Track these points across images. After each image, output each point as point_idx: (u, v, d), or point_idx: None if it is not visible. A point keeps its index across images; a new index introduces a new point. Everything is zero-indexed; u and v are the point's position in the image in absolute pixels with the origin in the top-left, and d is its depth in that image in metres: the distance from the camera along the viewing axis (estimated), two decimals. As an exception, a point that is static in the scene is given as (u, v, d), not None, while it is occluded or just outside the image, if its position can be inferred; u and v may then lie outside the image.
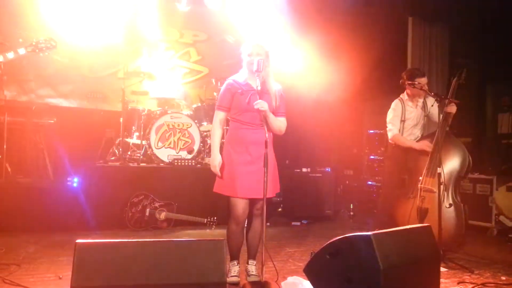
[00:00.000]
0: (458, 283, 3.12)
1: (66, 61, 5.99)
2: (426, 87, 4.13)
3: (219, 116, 3.08)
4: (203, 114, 5.82)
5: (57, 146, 5.19)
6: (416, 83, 4.07)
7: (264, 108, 2.88)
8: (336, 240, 2.50)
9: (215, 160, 3.01)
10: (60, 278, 3.00)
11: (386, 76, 6.40)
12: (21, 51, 3.00)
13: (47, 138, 5.16)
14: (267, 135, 2.87)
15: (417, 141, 4.14)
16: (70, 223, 4.43)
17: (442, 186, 3.74)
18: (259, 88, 2.93)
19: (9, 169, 4.73)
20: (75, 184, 4.67)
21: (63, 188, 4.68)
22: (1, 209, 4.23)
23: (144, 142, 5.29)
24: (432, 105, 4.23)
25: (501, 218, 4.89)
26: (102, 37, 6.19)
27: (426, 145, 3.98)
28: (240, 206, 2.97)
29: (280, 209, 5.84)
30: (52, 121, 5.14)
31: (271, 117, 2.98)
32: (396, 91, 4.52)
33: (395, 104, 4.30)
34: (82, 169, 4.77)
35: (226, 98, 3.07)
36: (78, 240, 1.96)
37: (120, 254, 1.96)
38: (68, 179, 4.80)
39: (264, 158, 2.82)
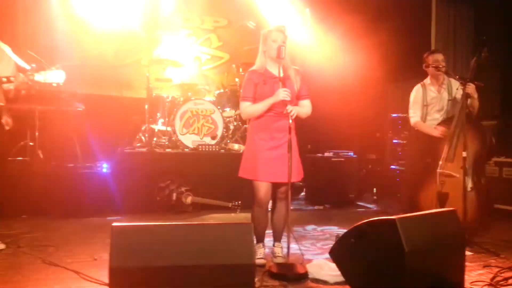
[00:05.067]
0: (484, 267, 3.13)
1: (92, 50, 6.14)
2: (442, 63, 4.06)
3: (245, 105, 3.12)
4: (225, 100, 5.89)
5: (86, 132, 5.36)
6: (430, 62, 4.02)
7: (294, 115, 2.95)
8: (361, 223, 2.54)
9: (278, 94, 2.95)
10: (95, 260, 3.15)
11: (410, 59, 6.31)
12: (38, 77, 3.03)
13: (76, 125, 5.33)
14: (290, 121, 2.93)
15: (435, 127, 4.10)
16: (100, 207, 4.59)
17: (464, 170, 3.71)
18: (281, 75, 2.98)
19: (41, 156, 4.93)
20: (104, 170, 4.83)
21: (92, 173, 4.85)
22: (36, 194, 4.44)
23: (169, 129, 5.40)
24: (457, 89, 4.17)
25: (528, 201, 4.83)
26: (125, 24, 6.31)
27: (441, 132, 3.95)
28: (263, 189, 3.04)
29: (303, 194, 5.91)
30: (81, 109, 5.30)
31: (299, 111, 3.04)
32: (419, 74, 4.47)
33: (416, 89, 4.25)
34: (111, 155, 4.93)
35: (249, 89, 3.10)
36: (114, 223, 2.06)
37: (154, 236, 2.05)
38: (97, 164, 4.97)
39: (288, 144, 2.88)
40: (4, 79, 3.04)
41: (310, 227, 4.36)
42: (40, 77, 3.06)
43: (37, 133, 4.91)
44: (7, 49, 3.28)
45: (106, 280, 2.08)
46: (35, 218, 4.28)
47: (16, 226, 3.90)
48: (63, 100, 5.20)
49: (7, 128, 3.37)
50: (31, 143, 4.93)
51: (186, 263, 2.04)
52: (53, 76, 3.07)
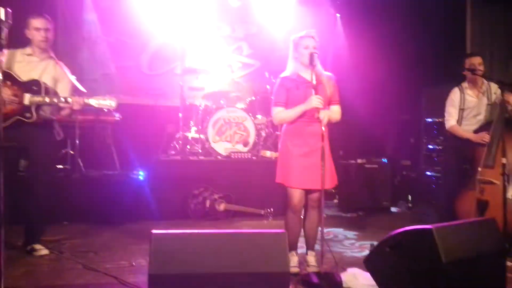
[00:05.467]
0: (525, 278, 3.02)
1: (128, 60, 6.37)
2: (480, 67, 3.95)
3: (277, 110, 3.14)
4: (257, 107, 5.94)
5: (123, 141, 5.54)
6: (466, 65, 3.93)
7: (325, 121, 2.96)
8: (396, 233, 2.51)
9: (311, 101, 2.96)
10: (133, 265, 3.25)
11: (444, 62, 6.17)
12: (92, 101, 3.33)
13: (114, 133, 5.52)
14: (323, 128, 2.93)
15: (475, 132, 3.98)
16: (136, 213, 4.73)
17: (504, 177, 3.59)
18: (314, 82, 2.99)
19: (81, 164, 5.13)
20: (140, 177, 4.98)
21: (129, 180, 4.99)
22: (76, 201, 4.62)
23: (202, 136, 5.50)
24: (495, 93, 4.05)
25: None
26: (159, 35, 6.50)
27: (483, 137, 3.81)
28: (297, 196, 3.06)
29: (335, 200, 5.87)
30: (118, 118, 5.47)
31: (329, 116, 3.04)
32: (454, 77, 4.37)
33: (453, 92, 4.15)
34: (147, 163, 5.07)
35: (281, 94, 3.12)
36: (154, 231, 2.12)
37: (191, 244, 2.10)
38: (134, 172, 5.12)
39: (321, 151, 2.89)
40: (63, 100, 3.31)
41: (343, 235, 4.32)
42: (94, 101, 3.31)
43: (77, 141, 5.11)
44: (67, 71, 3.55)
45: (144, 286, 2.14)
46: (76, 224, 4.45)
47: (58, 232, 4.06)
48: (102, 109, 5.38)
49: (58, 138, 3.65)
50: (71, 152, 5.13)
51: (222, 270, 2.08)
52: (106, 102, 3.29)
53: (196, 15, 6.74)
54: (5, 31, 2.89)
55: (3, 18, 2.84)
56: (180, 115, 5.59)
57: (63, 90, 3.46)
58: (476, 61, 4.01)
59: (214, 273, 2.06)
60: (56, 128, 3.59)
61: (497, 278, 2.57)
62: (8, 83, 3.25)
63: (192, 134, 5.70)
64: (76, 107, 3.33)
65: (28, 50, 3.44)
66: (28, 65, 3.40)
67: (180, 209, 4.85)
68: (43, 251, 3.46)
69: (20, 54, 3.41)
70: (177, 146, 5.60)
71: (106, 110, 3.41)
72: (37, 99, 3.27)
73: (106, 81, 6.31)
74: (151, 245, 2.09)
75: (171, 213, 4.79)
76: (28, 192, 3.46)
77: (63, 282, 2.92)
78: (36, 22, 3.39)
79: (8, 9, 2.52)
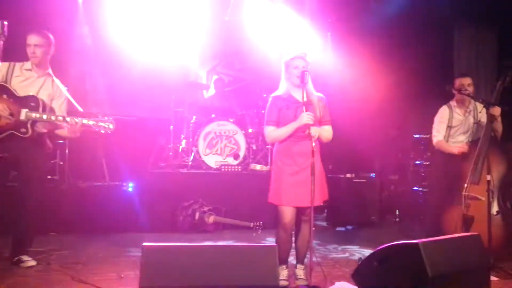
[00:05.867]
0: (509, 293, 3.08)
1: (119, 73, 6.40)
2: (470, 88, 4.07)
3: (269, 129, 3.19)
4: (248, 121, 5.99)
5: (114, 152, 5.53)
6: (456, 85, 4.04)
7: (316, 136, 3.01)
8: (384, 247, 2.56)
9: (302, 117, 3.00)
10: (121, 277, 3.23)
11: (432, 80, 6.31)
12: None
13: (105, 145, 5.51)
14: (313, 144, 2.98)
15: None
16: (125, 225, 4.71)
17: (489, 194, 3.67)
18: (305, 99, 3.04)
19: (70, 175, 5.10)
20: (130, 189, 4.97)
21: (119, 192, 4.99)
22: (65, 212, 4.59)
23: (193, 149, 5.53)
24: (480, 112, 4.17)
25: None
26: (152, 49, 6.53)
27: (462, 148, 3.91)
28: (288, 214, 3.08)
29: (324, 214, 5.91)
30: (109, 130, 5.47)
31: (320, 133, 3.10)
32: (441, 95, 4.49)
33: (442, 110, 4.26)
34: (137, 175, 5.07)
35: (273, 113, 3.17)
36: (145, 244, 2.14)
37: (182, 257, 2.12)
38: (124, 184, 5.11)
39: (311, 167, 2.93)
40: (60, 118, 3.31)
41: (332, 249, 4.36)
42: (93, 122, 3.30)
43: (67, 151, 5.09)
44: (63, 89, 3.56)
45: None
46: (64, 235, 4.42)
47: (45, 243, 4.02)
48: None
49: (48, 151, 3.63)
50: (61, 162, 5.11)
51: (213, 283, 2.10)
52: (105, 124, 3.29)
53: (189, 29, 6.81)
54: (0, 44, 2.94)
55: None
56: (171, 127, 5.61)
57: (58, 108, 3.48)
58: (466, 81, 4.13)
59: (205, 286, 2.08)
60: (47, 141, 3.59)
61: (482, 292, 2.63)
62: (4, 96, 3.26)
63: (182, 146, 5.73)
64: (71, 127, 3.27)
65: (27, 65, 3.45)
66: (26, 80, 3.41)
67: (169, 221, 4.85)
68: (31, 262, 3.42)
69: (18, 68, 3.42)
70: (167, 158, 5.61)
71: (103, 132, 3.36)
72: (34, 115, 3.27)
73: (97, 94, 6.32)
74: (142, 257, 2.10)
75: (160, 225, 4.78)
76: (18, 204, 3.43)
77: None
78: (28, 38, 3.41)
79: (4, 21, 2.54)
